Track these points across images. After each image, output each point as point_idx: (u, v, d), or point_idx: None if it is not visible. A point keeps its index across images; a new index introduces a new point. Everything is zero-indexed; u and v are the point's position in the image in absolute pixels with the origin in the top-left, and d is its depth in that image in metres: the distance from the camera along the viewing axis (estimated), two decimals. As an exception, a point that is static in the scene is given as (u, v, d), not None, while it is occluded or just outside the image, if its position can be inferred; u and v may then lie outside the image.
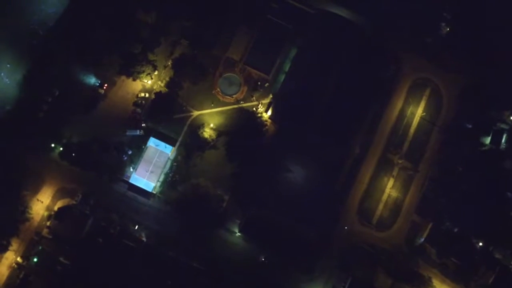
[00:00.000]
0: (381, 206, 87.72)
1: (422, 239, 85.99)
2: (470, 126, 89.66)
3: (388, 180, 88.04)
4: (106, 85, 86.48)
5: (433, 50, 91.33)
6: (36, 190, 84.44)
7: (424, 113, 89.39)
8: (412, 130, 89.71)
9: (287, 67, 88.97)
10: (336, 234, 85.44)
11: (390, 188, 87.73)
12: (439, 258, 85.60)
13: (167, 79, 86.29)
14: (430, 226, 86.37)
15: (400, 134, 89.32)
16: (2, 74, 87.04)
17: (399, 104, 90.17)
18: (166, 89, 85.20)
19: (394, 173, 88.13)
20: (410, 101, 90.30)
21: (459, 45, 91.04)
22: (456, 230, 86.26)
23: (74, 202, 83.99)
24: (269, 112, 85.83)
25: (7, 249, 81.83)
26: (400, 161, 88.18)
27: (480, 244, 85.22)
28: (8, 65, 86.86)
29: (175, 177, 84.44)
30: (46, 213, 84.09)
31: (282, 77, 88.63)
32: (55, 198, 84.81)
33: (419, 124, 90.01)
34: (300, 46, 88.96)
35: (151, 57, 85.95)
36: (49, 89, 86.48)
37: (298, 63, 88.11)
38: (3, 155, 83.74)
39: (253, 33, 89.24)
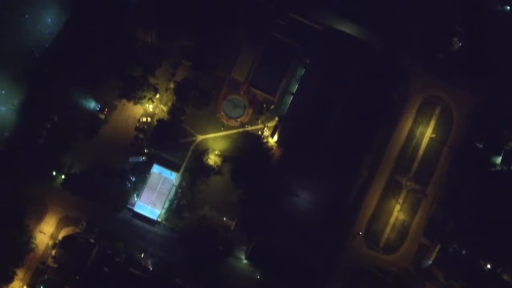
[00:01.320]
0: (388, 229, 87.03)
1: (430, 262, 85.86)
2: (480, 146, 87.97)
3: (396, 202, 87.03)
4: (106, 109, 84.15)
5: (444, 66, 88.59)
6: (39, 219, 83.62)
7: (434, 135, 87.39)
8: (421, 151, 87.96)
9: (293, 88, 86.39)
10: (343, 258, 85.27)
11: (397, 211, 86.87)
12: (447, 281, 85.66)
13: (169, 104, 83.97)
14: (438, 248, 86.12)
15: (409, 155, 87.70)
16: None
17: (408, 124, 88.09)
18: (169, 115, 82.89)
19: (402, 195, 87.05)
20: (419, 121, 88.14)
21: (471, 61, 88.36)
22: (464, 252, 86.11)
23: (79, 231, 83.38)
24: (275, 137, 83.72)
25: (13, 279, 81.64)
26: (408, 183, 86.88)
27: (488, 266, 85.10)
28: (3, 91, 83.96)
29: (180, 203, 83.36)
30: (50, 242, 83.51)
31: (288, 99, 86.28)
32: (59, 226, 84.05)
33: (428, 144, 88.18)
34: (308, 66, 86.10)
35: (152, 80, 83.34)
36: (48, 115, 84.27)
37: (305, 84, 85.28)
38: (4, 184, 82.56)
39: (258, 52, 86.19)
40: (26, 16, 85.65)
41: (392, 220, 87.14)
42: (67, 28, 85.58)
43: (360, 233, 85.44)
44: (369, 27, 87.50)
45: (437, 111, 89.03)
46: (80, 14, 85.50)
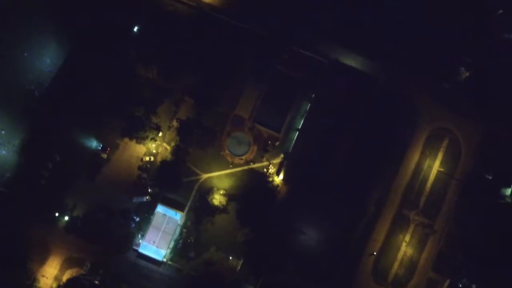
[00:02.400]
0: (396, 264, 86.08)
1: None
2: (490, 178, 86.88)
3: (404, 237, 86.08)
4: (108, 149, 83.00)
5: (452, 97, 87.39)
6: (43, 262, 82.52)
7: (443, 169, 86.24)
8: (429, 184, 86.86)
9: (299, 123, 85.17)
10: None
11: (406, 245, 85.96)
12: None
13: (173, 143, 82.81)
14: (447, 283, 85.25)
15: (416, 189, 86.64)
16: (0, 140, 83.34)
17: (415, 157, 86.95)
18: (172, 155, 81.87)
19: (410, 229, 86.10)
20: (427, 154, 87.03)
21: (478, 91, 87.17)
22: (474, 286, 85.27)
23: (83, 272, 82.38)
24: (281, 176, 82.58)
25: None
26: (416, 218, 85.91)
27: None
28: (3, 131, 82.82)
29: (186, 243, 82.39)
30: (54, 284, 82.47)
31: (293, 135, 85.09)
32: (63, 268, 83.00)
33: (436, 177, 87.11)
34: (313, 100, 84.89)
35: (154, 119, 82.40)
36: (49, 155, 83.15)
37: (310, 119, 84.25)
38: (6, 226, 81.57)
39: (262, 88, 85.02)
40: (25, 54, 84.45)
41: (400, 255, 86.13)
42: (67, 67, 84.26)
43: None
44: (375, 59, 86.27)
45: (445, 143, 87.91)
46: (79, 51, 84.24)
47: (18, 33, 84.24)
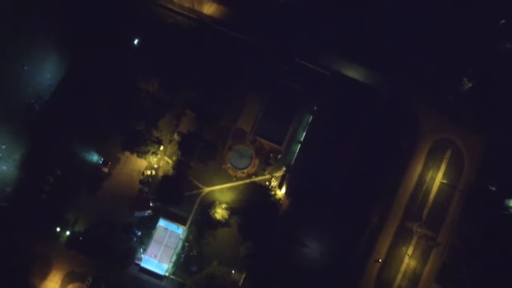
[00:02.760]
0: (399, 277, 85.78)
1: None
2: (493, 189, 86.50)
3: (407, 249, 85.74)
4: (109, 162, 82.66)
5: (455, 108, 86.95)
6: (44, 276, 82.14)
7: (446, 181, 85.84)
8: (432, 196, 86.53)
9: (301, 136, 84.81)
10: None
11: (409, 258, 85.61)
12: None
13: (174, 157, 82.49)
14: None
15: (419, 201, 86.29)
16: (0, 154, 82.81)
17: (418, 169, 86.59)
18: (174, 169, 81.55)
19: (413, 242, 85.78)
20: (430, 165, 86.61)
21: (481, 102, 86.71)
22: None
23: (85, 287, 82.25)
24: (283, 189, 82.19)
25: None
26: (419, 230, 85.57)
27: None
28: (4, 146, 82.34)
29: (188, 257, 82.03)
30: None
31: (295, 147, 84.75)
32: (64, 282, 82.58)
33: (439, 189, 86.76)
34: (315, 113, 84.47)
35: (155, 133, 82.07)
36: (50, 169, 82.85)
37: (312, 131, 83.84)
38: (8, 241, 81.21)
39: (263, 100, 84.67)
40: (25, 68, 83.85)
41: (403, 267, 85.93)
42: (67, 80, 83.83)
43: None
44: (377, 70, 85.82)
45: (448, 154, 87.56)
46: (79, 65, 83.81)
47: (18, 47, 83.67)
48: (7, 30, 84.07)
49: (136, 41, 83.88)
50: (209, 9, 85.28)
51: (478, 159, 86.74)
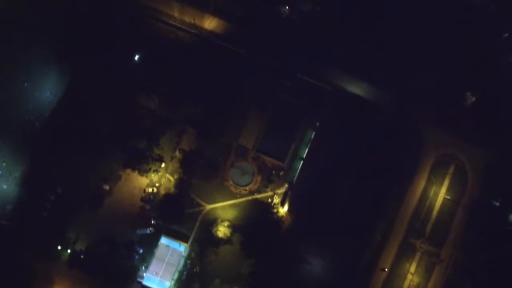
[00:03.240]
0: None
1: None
2: (497, 204, 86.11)
3: (410, 265, 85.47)
4: (110, 180, 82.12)
5: (458, 122, 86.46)
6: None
7: (449, 196, 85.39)
8: (435, 211, 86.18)
9: (303, 152, 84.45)
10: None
11: (412, 274, 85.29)
12: None
13: (176, 175, 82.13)
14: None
15: (422, 217, 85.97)
16: (0, 172, 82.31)
17: (421, 185, 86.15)
18: (175, 188, 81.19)
19: (416, 258, 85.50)
20: (433, 181, 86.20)
21: (485, 116, 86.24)
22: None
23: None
24: (286, 207, 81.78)
25: None
26: (422, 246, 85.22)
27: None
28: (4, 163, 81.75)
29: (190, 274, 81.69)
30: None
31: (298, 164, 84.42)
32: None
33: (442, 204, 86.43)
34: (317, 129, 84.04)
35: (156, 151, 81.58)
36: (51, 187, 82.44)
37: (315, 148, 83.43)
38: (8, 260, 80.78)
39: (265, 117, 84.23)
40: (26, 85, 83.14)
41: (406, 283, 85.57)
42: (67, 97, 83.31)
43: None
44: (380, 85, 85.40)
45: (451, 169, 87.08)
46: (79, 81, 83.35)
47: (18, 63, 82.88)
48: (8, 47, 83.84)
49: (136, 57, 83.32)
50: (210, 24, 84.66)
51: (482, 174, 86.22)
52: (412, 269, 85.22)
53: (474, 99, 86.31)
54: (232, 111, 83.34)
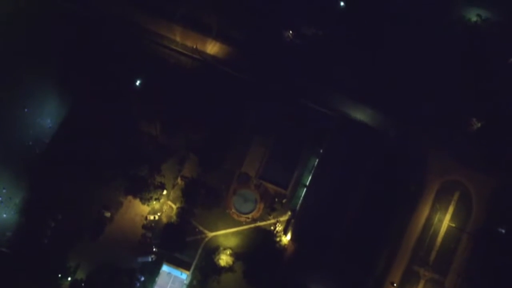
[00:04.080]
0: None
1: None
2: (503, 231, 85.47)
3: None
4: (112, 207, 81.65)
5: (463, 149, 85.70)
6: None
7: (453, 224, 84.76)
8: (439, 238, 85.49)
9: (306, 179, 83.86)
10: None
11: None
12: None
13: (177, 202, 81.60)
14: None
15: (426, 244, 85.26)
16: (0, 198, 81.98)
17: (425, 212, 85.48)
18: (177, 217, 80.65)
19: (420, 286, 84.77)
20: (437, 207, 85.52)
21: (490, 143, 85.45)
22: None
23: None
24: (288, 236, 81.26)
25: None
26: (426, 273, 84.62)
27: None
28: (4, 190, 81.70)
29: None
30: None
31: (301, 191, 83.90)
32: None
33: (447, 231, 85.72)
34: (321, 156, 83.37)
35: (158, 178, 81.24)
36: (52, 213, 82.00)
37: (318, 175, 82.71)
38: (8, 287, 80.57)
39: (268, 143, 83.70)
40: (26, 110, 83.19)
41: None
42: (68, 123, 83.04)
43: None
44: (384, 111, 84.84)
45: (456, 196, 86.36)
46: (80, 107, 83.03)
47: (19, 89, 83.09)
48: (9, 73, 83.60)
49: (138, 83, 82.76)
50: (212, 49, 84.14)
51: (487, 201, 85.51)
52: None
53: (479, 125, 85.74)
54: (234, 138, 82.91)
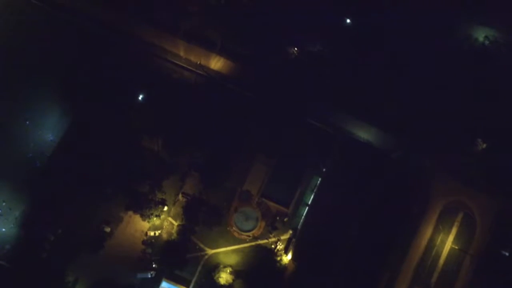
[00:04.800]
0: None
1: None
2: (506, 254, 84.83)
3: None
4: (112, 222, 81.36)
5: (468, 170, 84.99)
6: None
7: (456, 246, 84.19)
8: (441, 260, 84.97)
9: (308, 198, 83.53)
10: None
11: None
12: None
13: (178, 221, 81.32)
14: None
15: (428, 266, 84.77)
16: (0, 211, 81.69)
17: (428, 233, 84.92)
18: (178, 235, 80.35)
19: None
20: (440, 229, 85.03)
21: (495, 164, 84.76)
22: None
23: None
24: (289, 255, 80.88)
25: None
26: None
27: None
28: (4, 203, 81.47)
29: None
30: None
31: (303, 210, 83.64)
32: None
33: (449, 253, 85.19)
34: (323, 175, 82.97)
35: (159, 195, 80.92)
36: (51, 227, 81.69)
37: (321, 194, 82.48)
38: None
39: (271, 161, 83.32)
40: (27, 123, 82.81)
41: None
42: (69, 136, 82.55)
43: None
44: (388, 130, 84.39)
45: (459, 217, 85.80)
46: (82, 120, 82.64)
47: (20, 102, 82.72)
48: (9, 85, 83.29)
49: (140, 97, 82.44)
50: (216, 64, 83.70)
51: (491, 223, 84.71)
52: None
53: (485, 145, 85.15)
54: (236, 155, 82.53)
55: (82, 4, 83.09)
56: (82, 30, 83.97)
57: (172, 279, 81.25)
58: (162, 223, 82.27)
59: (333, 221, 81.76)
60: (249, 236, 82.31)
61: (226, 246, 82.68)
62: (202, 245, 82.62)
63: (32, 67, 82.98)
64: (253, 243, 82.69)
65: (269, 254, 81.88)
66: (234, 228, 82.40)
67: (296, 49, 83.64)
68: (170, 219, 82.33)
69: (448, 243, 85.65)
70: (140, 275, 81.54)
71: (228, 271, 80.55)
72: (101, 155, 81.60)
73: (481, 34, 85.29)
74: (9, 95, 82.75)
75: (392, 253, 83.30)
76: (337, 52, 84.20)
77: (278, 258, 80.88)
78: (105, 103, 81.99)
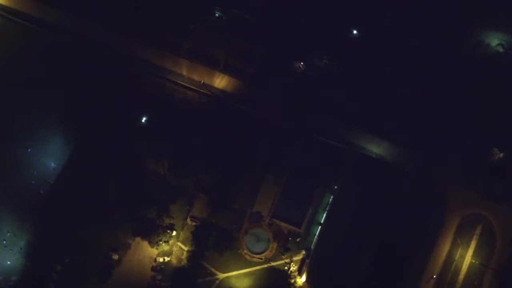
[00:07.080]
0: None
1: None
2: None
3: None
4: (119, 249, 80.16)
5: (485, 180, 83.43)
6: None
7: (475, 260, 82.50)
8: (461, 275, 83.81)
9: (321, 217, 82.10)
10: None
11: None
12: None
13: (188, 245, 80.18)
14: None
15: (448, 281, 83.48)
16: (5, 241, 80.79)
17: (446, 247, 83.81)
18: (188, 258, 79.08)
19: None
20: (459, 242, 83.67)
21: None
22: None
23: None
24: (304, 277, 79.38)
25: None
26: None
27: None
28: (9, 233, 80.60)
29: None
30: None
31: (315, 229, 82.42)
32: None
33: (469, 267, 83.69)
34: (336, 192, 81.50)
35: (167, 220, 79.96)
36: (58, 256, 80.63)
37: (334, 212, 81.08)
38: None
39: (280, 180, 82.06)
40: (29, 150, 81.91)
41: None
42: (72, 163, 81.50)
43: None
44: (401, 144, 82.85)
45: (478, 230, 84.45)
46: (85, 147, 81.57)
47: (22, 129, 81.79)
48: (11, 112, 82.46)
49: (143, 119, 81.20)
50: (220, 82, 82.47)
51: (511, 234, 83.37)
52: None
53: (502, 155, 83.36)
54: (245, 176, 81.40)
55: (83, 28, 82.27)
56: (84, 53, 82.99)
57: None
58: (171, 249, 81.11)
59: (348, 240, 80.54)
60: (261, 258, 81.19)
61: (237, 270, 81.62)
62: (213, 269, 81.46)
63: (33, 93, 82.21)
64: (265, 265, 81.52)
65: (283, 276, 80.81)
66: (245, 250, 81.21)
67: (302, 63, 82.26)
68: (179, 244, 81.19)
69: (467, 257, 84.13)
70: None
71: (241, 295, 79.78)
72: (105, 181, 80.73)
73: (494, 40, 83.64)
74: (9, 121, 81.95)
75: (410, 269, 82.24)
76: (345, 65, 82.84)
77: (292, 280, 79.79)
78: (108, 127, 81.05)
